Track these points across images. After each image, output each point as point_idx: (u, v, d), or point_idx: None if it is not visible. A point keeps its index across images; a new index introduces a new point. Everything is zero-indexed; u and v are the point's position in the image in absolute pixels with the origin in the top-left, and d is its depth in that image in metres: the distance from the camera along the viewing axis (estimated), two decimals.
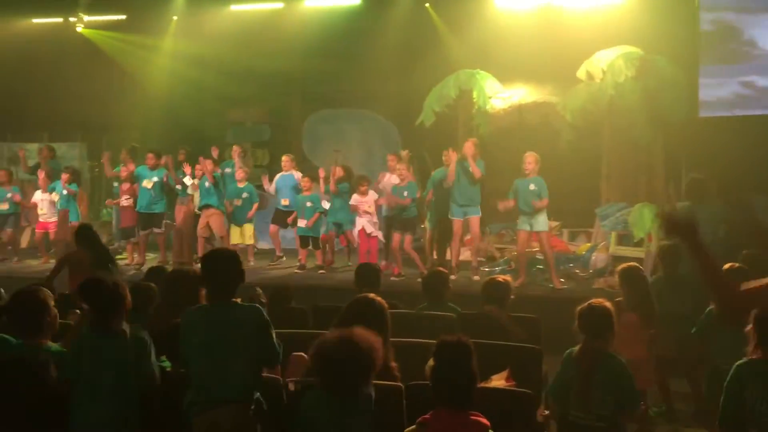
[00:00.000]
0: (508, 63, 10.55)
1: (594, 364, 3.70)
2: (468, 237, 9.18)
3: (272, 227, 10.29)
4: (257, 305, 3.77)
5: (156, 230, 10.20)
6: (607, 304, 3.93)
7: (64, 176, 10.47)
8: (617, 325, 3.87)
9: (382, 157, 11.33)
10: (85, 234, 7.23)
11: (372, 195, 9.37)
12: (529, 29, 10.73)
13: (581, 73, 10.11)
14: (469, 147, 8.74)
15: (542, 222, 8.32)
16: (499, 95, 10.58)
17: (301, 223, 9.79)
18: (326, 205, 9.74)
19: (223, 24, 12.73)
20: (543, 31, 10.69)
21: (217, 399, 3.48)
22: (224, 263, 3.74)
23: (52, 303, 3.90)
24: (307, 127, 13.14)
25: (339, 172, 9.59)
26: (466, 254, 9.32)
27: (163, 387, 3.75)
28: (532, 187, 8.29)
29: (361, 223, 9.26)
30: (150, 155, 10.24)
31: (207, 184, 9.97)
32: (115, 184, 10.96)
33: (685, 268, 5.48)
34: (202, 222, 10.02)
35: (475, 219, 8.82)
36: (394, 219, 9.31)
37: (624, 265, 5.38)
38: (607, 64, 9.88)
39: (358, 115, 12.83)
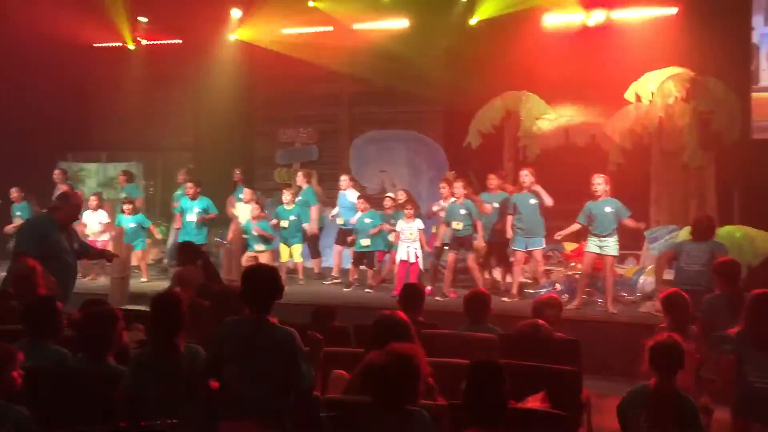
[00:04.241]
0: (555, 84, 10.51)
1: (671, 407, 3.58)
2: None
3: (336, 247, 10.41)
4: (292, 329, 3.69)
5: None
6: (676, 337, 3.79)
7: (127, 208, 10.36)
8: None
9: (429, 178, 11.41)
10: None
11: (418, 222, 9.12)
12: (576, 50, 10.67)
13: (630, 95, 10.02)
14: (530, 176, 8.59)
15: (613, 246, 8.15)
16: (545, 117, 10.54)
17: (365, 242, 9.69)
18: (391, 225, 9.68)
19: (274, 47, 13.06)
20: (590, 52, 10.60)
21: (246, 411, 3.51)
22: (261, 278, 3.74)
23: (119, 321, 3.99)
24: (354, 148, 13.30)
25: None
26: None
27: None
28: (607, 209, 8.11)
29: (403, 249, 9.05)
30: (189, 185, 10.27)
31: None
32: (175, 204, 11.00)
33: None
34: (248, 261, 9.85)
35: (538, 251, 8.71)
36: (453, 239, 9.05)
37: (667, 291, 5.28)
38: (656, 85, 9.78)
39: (405, 135, 12.91)
